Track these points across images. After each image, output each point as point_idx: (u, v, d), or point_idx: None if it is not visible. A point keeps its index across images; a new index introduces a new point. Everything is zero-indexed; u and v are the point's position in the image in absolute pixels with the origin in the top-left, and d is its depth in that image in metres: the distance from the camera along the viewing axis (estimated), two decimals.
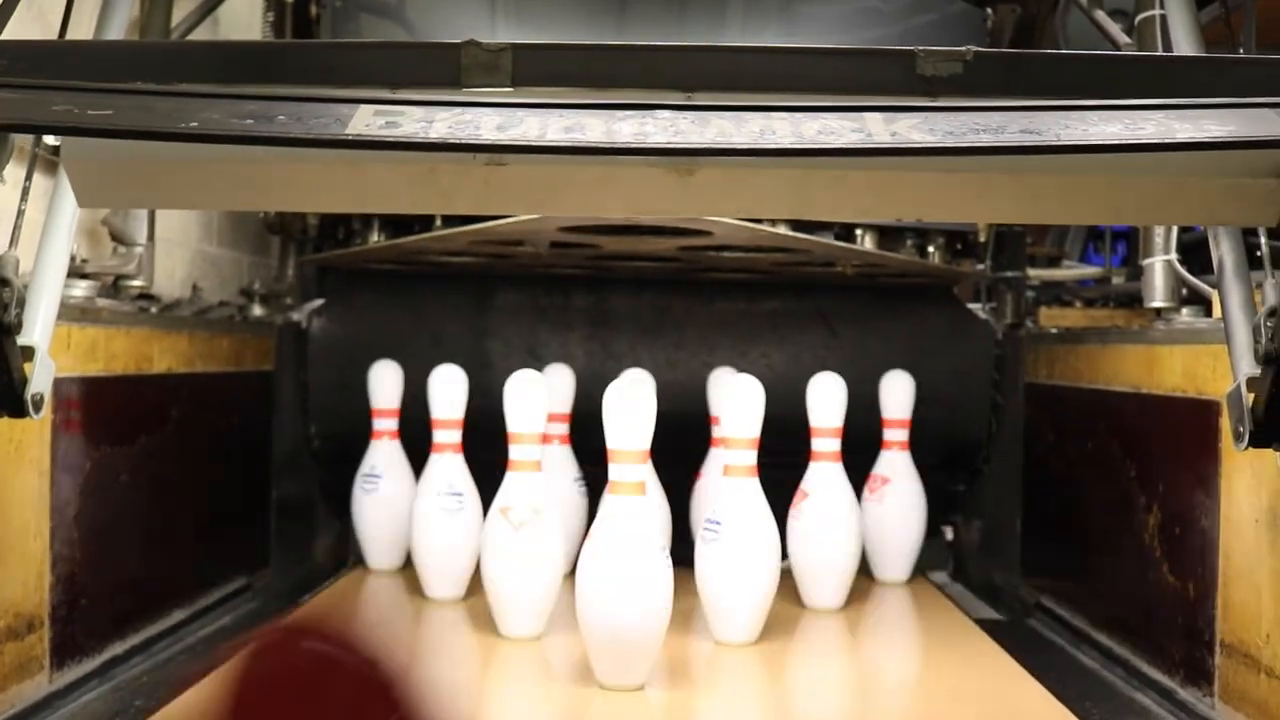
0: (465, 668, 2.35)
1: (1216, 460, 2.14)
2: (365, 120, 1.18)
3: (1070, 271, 3.95)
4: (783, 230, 2.60)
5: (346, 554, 3.26)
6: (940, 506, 2.99)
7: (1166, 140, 1.18)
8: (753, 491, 2.37)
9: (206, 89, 1.28)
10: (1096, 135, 1.19)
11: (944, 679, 2.29)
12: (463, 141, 1.16)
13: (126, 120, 1.18)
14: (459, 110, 1.20)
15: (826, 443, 2.68)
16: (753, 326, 3.37)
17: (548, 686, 2.22)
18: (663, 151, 1.19)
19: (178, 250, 3.08)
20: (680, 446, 3.03)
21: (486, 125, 1.18)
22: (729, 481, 2.38)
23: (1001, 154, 1.19)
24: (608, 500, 2.11)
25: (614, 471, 2.10)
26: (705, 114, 1.22)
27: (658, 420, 3.39)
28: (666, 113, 1.22)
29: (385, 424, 2.99)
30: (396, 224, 2.95)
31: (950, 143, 1.17)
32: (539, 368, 3.37)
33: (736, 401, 2.39)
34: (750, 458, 2.37)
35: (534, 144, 1.17)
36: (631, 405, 2.11)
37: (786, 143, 1.18)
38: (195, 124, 1.18)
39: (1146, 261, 2.61)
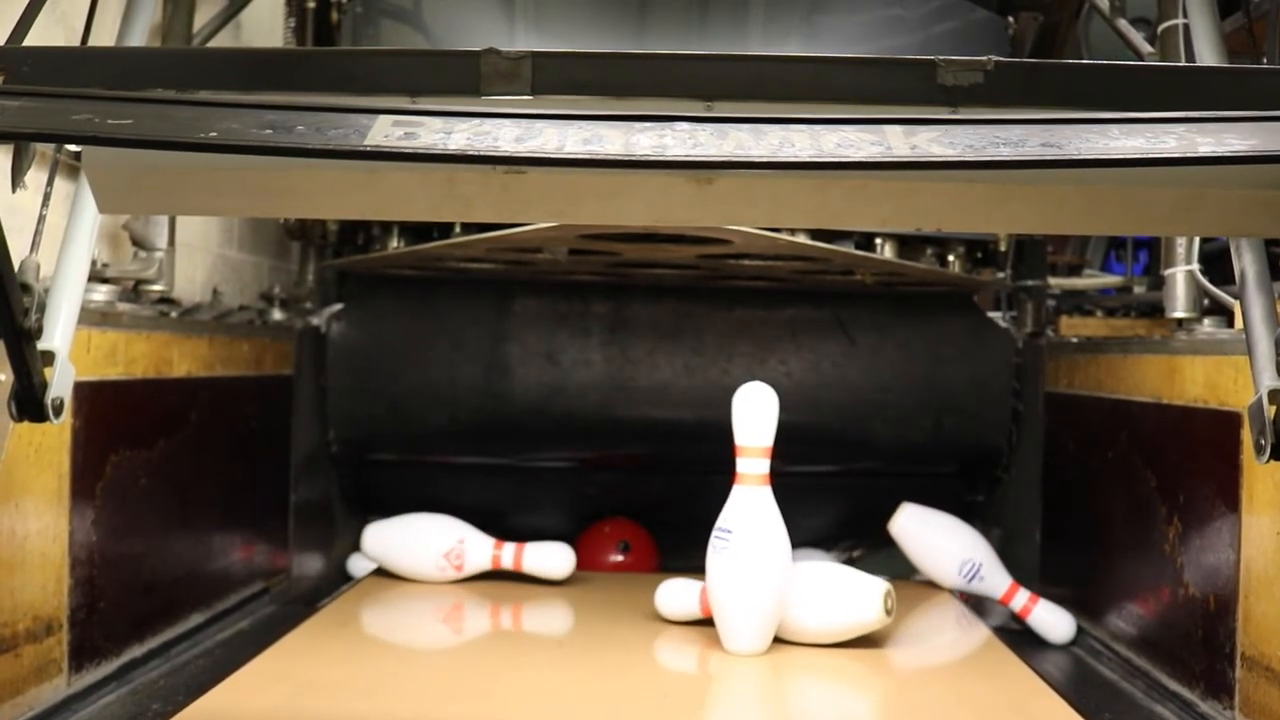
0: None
1: (1237, 472, 2.13)
2: (384, 131, 1.18)
3: (1091, 280, 3.94)
4: (802, 239, 2.60)
5: None
6: (959, 515, 2.98)
7: (1188, 155, 1.18)
8: (765, 500, 2.36)
9: (227, 98, 1.28)
10: (1118, 149, 1.19)
11: (962, 690, 2.28)
12: (481, 153, 1.16)
13: (146, 130, 1.18)
14: (478, 121, 1.20)
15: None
16: (771, 334, 3.37)
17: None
18: (681, 164, 1.18)
19: (198, 255, 3.09)
20: (696, 453, 3.02)
21: (505, 137, 1.18)
22: (741, 490, 2.37)
23: (1022, 168, 1.19)
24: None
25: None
26: (724, 126, 1.21)
27: (674, 427, 3.39)
28: (685, 125, 1.21)
29: None
30: (416, 230, 2.95)
31: (970, 156, 1.17)
32: (558, 374, 3.38)
33: (750, 409, 2.38)
34: (763, 466, 2.36)
35: (552, 156, 1.17)
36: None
37: (805, 156, 1.17)
38: (215, 134, 1.18)
39: (1168, 271, 2.60)
